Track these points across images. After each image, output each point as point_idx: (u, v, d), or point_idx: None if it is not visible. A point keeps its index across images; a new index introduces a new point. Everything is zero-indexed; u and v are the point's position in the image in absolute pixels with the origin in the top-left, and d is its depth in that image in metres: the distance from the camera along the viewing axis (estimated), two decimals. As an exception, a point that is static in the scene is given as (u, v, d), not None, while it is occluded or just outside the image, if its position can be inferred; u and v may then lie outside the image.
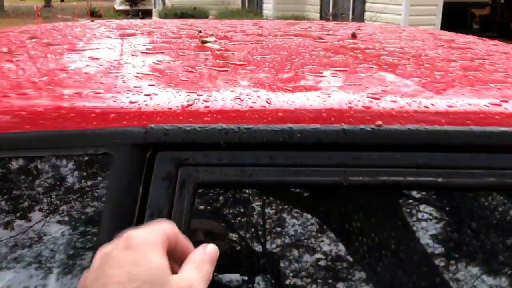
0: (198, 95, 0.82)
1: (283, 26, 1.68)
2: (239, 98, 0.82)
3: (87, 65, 1.01)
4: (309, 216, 0.80)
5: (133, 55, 1.08)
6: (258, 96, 0.83)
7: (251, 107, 0.80)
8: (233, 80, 0.90)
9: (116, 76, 0.92)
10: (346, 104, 0.81)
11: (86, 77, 0.91)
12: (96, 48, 1.17)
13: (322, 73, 0.97)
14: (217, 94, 0.83)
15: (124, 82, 0.88)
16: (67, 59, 1.07)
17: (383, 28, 1.71)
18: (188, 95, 0.82)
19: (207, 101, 0.80)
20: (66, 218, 0.75)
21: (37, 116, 0.76)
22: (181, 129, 0.76)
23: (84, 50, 1.14)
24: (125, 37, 1.32)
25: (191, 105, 0.79)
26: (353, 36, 1.38)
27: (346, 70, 0.99)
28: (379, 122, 0.79)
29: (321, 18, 12.07)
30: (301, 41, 1.30)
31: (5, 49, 1.15)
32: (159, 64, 1.00)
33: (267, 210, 0.80)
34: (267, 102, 0.81)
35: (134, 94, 0.82)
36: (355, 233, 0.81)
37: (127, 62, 1.02)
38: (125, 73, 0.94)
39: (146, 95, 0.82)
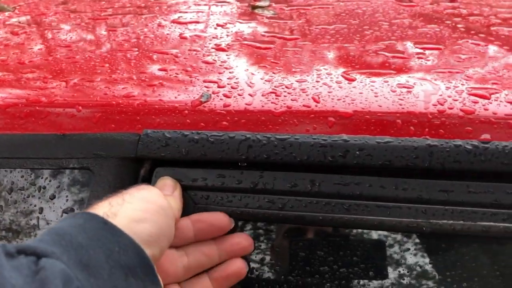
0: (219, 86, 0.59)
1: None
2: (275, 93, 0.57)
3: (69, 41, 0.81)
4: (367, 271, 0.55)
5: (155, 25, 0.87)
6: (302, 90, 0.57)
7: (289, 108, 0.55)
8: (273, 64, 0.65)
9: (116, 56, 0.71)
10: (434, 104, 0.54)
11: (70, 57, 0.71)
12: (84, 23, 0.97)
13: (403, 52, 0.69)
14: (246, 85, 0.59)
15: (123, 65, 0.67)
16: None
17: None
18: (205, 87, 0.59)
19: (229, 97, 0.57)
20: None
21: None
22: (187, 137, 0.53)
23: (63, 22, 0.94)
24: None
25: (206, 102, 0.56)
26: (453, -3, 1.05)
27: (439, 49, 0.69)
28: (487, 136, 0.51)
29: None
30: (381, 4, 1.00)
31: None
32: (183, 38, 0.78)
33: (305, 257, 0.56)
34: (314, 100, 0.56)
35: (132, 83, 0.61)
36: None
37: (139, 35, 0.80)
38: (131, 52, 0.72)
39: (149, 85, 0.60)
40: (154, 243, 0.42)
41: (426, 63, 0.64)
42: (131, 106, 0.57)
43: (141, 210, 0.42)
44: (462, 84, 0.57)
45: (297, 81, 0.59)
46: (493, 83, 0.57)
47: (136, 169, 0.55)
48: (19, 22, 0.97)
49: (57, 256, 0.34)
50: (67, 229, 0.37)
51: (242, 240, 0.53)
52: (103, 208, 0.41)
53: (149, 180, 0.54)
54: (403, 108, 0.54)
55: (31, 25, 0.93)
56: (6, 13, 1.08)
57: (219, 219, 0.52)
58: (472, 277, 0.52)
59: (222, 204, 0.53)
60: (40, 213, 0.56)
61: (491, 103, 0.54)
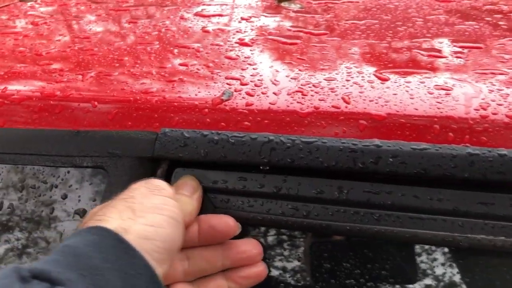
0: (241, 83, 0.56)
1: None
2: (301, 92, 0.53)
3: (87, 33, 0.79)
4: (390, 280, 0.51)
5: (177, 18, 0.83)
6: (331, 90, 0.53)
7: (316, 108, 0.51)
8: (300, 60, 0.62)
9: (135, 49, 0.68)
10: (476, 109, 0.49)
11: (88, 49, 0.68)
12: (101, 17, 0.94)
13: (439, 51, 0.64)
14: (270, 83, 0.55)
15: (142, 59, 0.64)
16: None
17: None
18: (227, 84, 0.56)
19: (252, 95, 0.53)
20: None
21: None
22: (206, 137, 0.50)
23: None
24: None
25: (227, 100, 0.53)
26: (491, -8, 0.98)
27: (479, 48, 0.64)
28: (535, 145, 0.47)
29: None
30: (414, -1, 0.95)
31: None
32: (206, 32, 0.74)
33: (330, 268, 0.52)
34: (344, 101, 0.52)
35: (151, 78, 0.58)
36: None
37: (161, 28, 0.77)
38: (152, 46, 0.69)
39: (168, 81, 0.57)
40: (165, 259, 0.39)
41: (465, 63, 0.60)
42: (149, 103, 0.54)
43: (153, 225, 0.40)
44: (508, 87, 0.52)
45: (326, 80, 0.55)
46: (542, 87, 0.52)
47: (153, 170, 0.52)
48: (41, 13, 0.95)
49: (71, 285, 0.32)
50: (82, 248, 0.35)
51: (251, 247, 0.49)
52: (114, 221, 0.38)
53: (166, 181, 0.51)
54: (441, 112, 0.49)
55: (52, 16, 0.91)
56: (29, 4, 1.06)
57: (222, 222, 0.48)
58: (513, 299, 0.48)
59: (243, 209, 0.50)
60: (51, 213, 0.54)
61: (540, 108, 0.49)
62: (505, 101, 0.50)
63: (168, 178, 0.52)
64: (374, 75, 0.56)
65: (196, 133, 0.51)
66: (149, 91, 0.55)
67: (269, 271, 0.51)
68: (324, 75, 0.57)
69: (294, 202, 0.49)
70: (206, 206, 0.50)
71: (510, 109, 0.49)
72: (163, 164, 0.52)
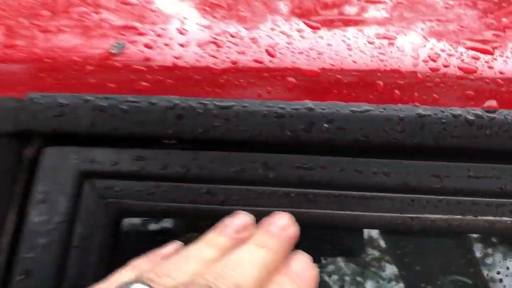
0: (138, 33, 0.43)
1: None
2: (216, 43, 0.42)
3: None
4: (337, 274, 0.43)
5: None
6: (253, 40, 0.43)
7: (234, 63, 0.40)
8: (215, 6, 0.50)
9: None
10: (424, 60, 0.41)
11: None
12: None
13: (379, -3, 0.55)
14: (176, 32, 0.44)
15: (9, 3, 0.50)
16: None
17: None
18: (120, 35, 0.43)
19: (151, 47, 0.42)
20: None
21: None
22: (89, 103, 0.38)
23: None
24: None
25: (119, 54, 0.41)
26: None
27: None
28: (493, 103, 0.39)
29: None
30: None
31: None
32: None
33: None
34: (269, 53, 0.41)
35: (18, 28, 0.44)
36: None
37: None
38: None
39: (42, 31, 0.44)
40: None
41: (410, 9, 0.51)
42: (11, 59, 0.40)
43: None
44: (460, 35, 0.44)
45: (246, 29, 0.45)
46: (498, 36, 0.45)
47: (18, 149, 0.39)
48: None
49: None
50: None
51: None
52: None
53: (34, 165, 0.39)
54: (385, 65, 0.40)
55: None
56: None
57: None
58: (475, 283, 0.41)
59: (142, 198, 0.39)
60: None
61: (495, 59, 0.41)
62: (456, 52, 0.42)
63: (35, 162, 0.39)
64: (304, 22, 0.46)
65: (76, 98, 0.38)
66: (12, 45, 0.41)
67: None
68: (245, 23, 0.46)
69: (208, 185, 0.39)
70: (88, 197, 0.39)
71: (462, 60, 0.41)
72: (32, 141, 0.39)
